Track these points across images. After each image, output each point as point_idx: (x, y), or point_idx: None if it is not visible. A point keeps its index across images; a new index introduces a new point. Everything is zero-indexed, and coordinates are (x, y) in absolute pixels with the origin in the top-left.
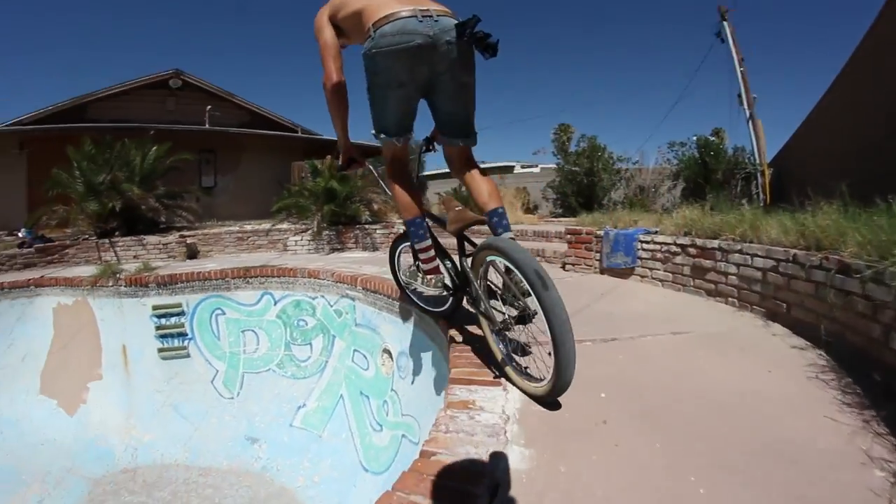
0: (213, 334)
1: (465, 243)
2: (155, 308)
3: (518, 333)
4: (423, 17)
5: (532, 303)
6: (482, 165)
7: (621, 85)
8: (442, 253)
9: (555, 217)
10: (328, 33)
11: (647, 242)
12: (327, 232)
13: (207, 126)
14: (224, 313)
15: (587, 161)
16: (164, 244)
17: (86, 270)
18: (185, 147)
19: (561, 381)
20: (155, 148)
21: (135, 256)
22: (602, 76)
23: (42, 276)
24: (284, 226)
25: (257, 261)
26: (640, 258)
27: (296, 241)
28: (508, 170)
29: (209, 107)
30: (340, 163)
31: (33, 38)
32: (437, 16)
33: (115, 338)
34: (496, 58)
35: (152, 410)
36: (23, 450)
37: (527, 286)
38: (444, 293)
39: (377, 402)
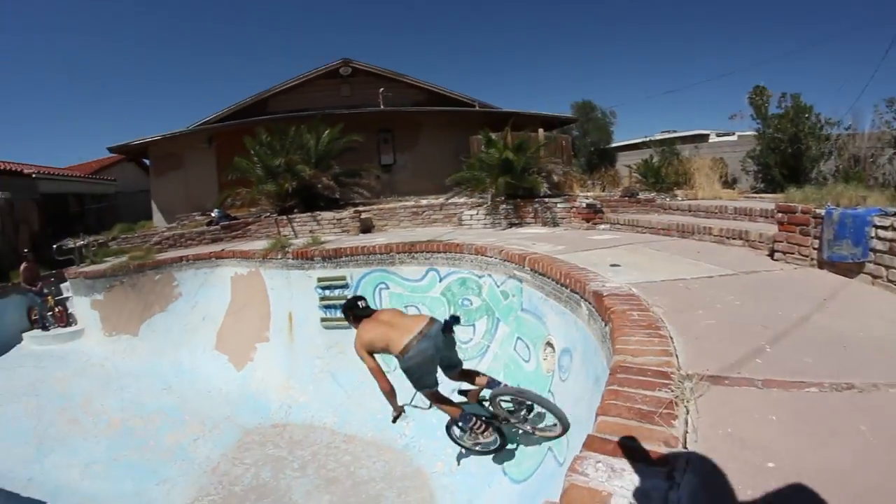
0: (377, 308)
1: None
2: (320, 280)
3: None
4: (422, 336)
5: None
6: (673, 135)
7: (821, 26)
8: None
9: (756, 193)
10: (370, 361)
11: (885, 228)
12: (504, 206)
13: (382, 107)
14: (388, 287)
15: (791, 125)
16: (338, 219)
17: (262, 244)
18: (363, 129)
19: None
20: (328, 131)
21: (310, 231)
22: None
23: (222, 250)
24: (460, 200)
25: (430, 235)
26: (874, 250)
27: (471, 215)
28: (702, 138)
29: (381, 89)
30: (394, 414)
31: (217, 46)
32: (428, 329)
33: (282, 305)
34: None
35: (310, 374)
36: (192, 394)
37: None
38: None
39: None
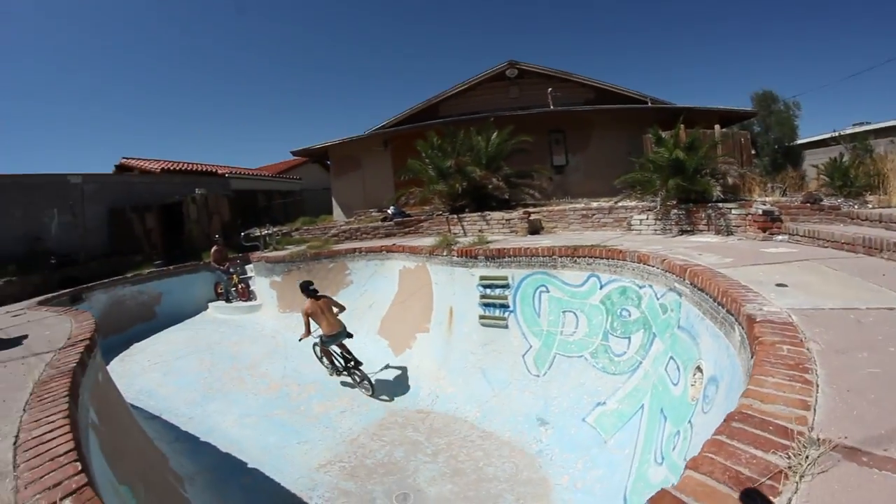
0: (534, 310)
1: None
2: (482, 278)
3: None
4: (337, 334)
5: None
6: (866, 128)
7: None
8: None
9: None
10: (305, 319)
11: None
12: (675, 211)
13: (551, 107)
14: (548, 291)
15: None
16: (506, 220)
17: (431, 241)
18: (533, 130)
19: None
20: (496, 133)
21: (479, 231)
22: None
23: (393, 244)
24: (630, 203)
25: (597, 240)
26: None
27: (640, 220)
28: None
29: (550, 89)
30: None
31: (392, 56)
32: (341, 330)
33: (444, 300)
34: None
35: (462, 368)
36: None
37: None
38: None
39: (672, 428)
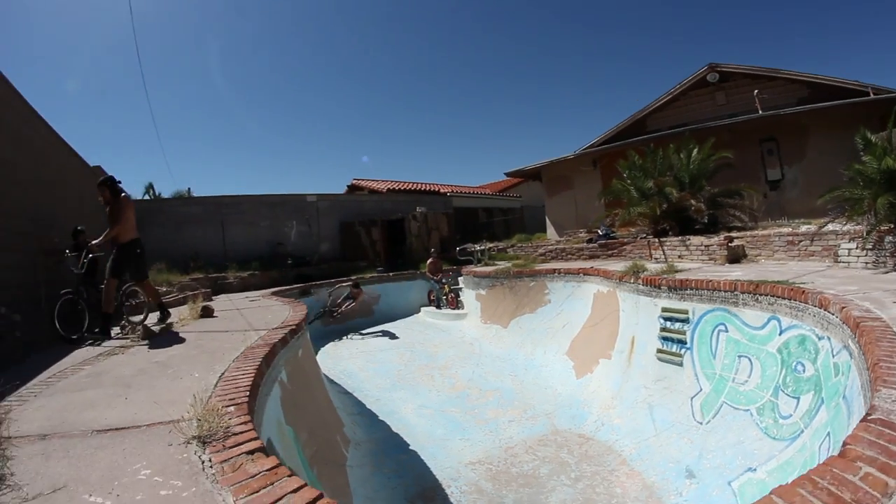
0: (711, 351)
1: None
2: (664, 310)
3: None
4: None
5: None
6: None
7: None
8: None
9: None
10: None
11: None
12: (891, 238)
13: (760, 112)
14: (727, 331)
15: None
16: (706, 245)
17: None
18: (741, 140)
19: None
20: (696, 149)
21: (679, 256)
22: None
23: (591, 267)
24: (840, 227)
25: (796, 273)
26: None
27: (849, 249)
28: None
29: (756, 91)
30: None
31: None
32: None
33: (629, 328)
34: None
35: (632, 401)
36: (530, 385)
37: None
38: None
39: None
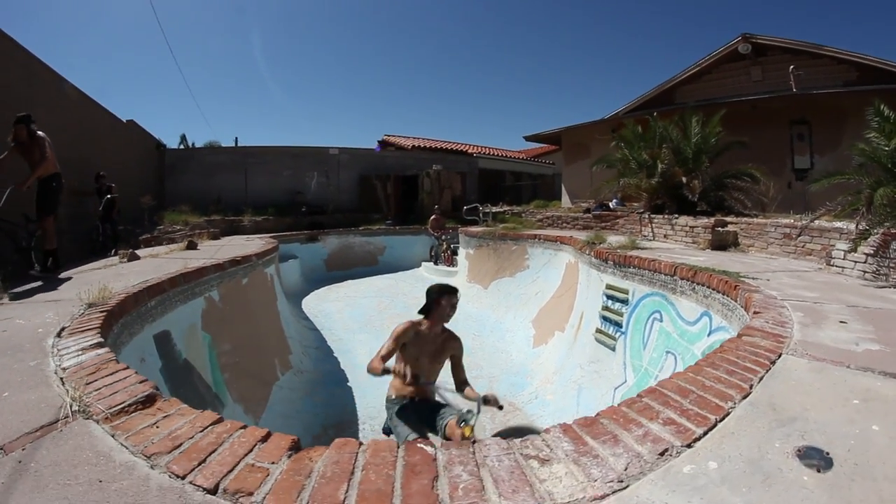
0: (643, 339)
1: None
2: (608, 287)
3: None
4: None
5: None
6: None
7: None
8: None
9: None
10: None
11: None
12: None
13: (794, 90)
14: (661, 320)
15: None
16: (690, 227)
17: (621, 239)
18: (771, 120)
19: None
20: (697, 125)
21: (665, 235)
22: None
23: (569, 236)
24: (836, 223)
25: (771, 269)
26: None
27: (844, 251)
28: None
29: (791, 66)
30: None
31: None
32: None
33: (581, 302)
34: None
35: (568, 379)
36: (490, 347)
37: None
38: None
39: None
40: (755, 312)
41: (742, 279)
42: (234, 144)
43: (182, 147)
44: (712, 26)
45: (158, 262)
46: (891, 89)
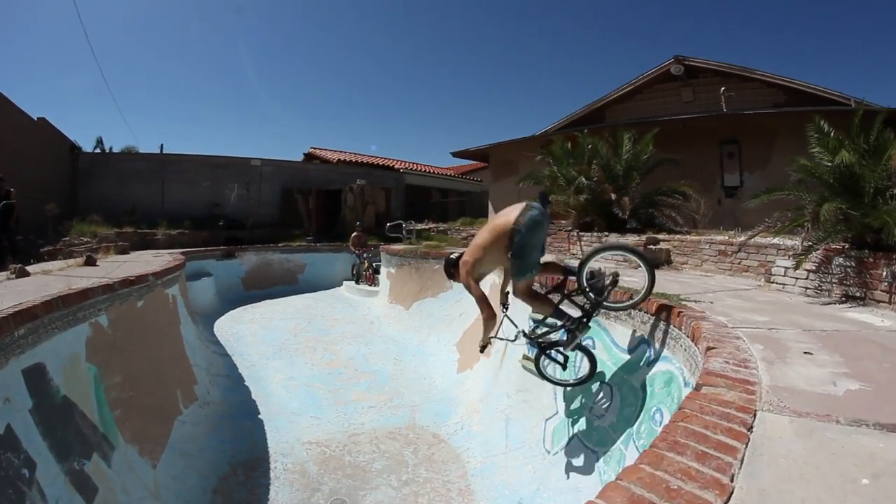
0: (574, 368)
1: None
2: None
3: None
4: (528, 209)
5: None
6: None
7: None
8: None
9: None
10: (476, 290)
11: None
12: (841, 260)
13: (724, 110)
14: (594, 348)
15: None
16: None
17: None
18: (702, 139)
19: None
20: (629, 141)
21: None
22: None
23: None
24: (775, 240)
25: (710, 288)
26: None
27: (785, 268)
28: None
29: (723, 88)
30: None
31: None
32: (530, 205)
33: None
34: None
35: (494, 409)
36: (410, 373)
37: None
38: None
39: None
40: (709, 348)
41: (683, 302)
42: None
43: (98, 151)
44: (645, 47)
45: (47, 280)
46: (818, 111)
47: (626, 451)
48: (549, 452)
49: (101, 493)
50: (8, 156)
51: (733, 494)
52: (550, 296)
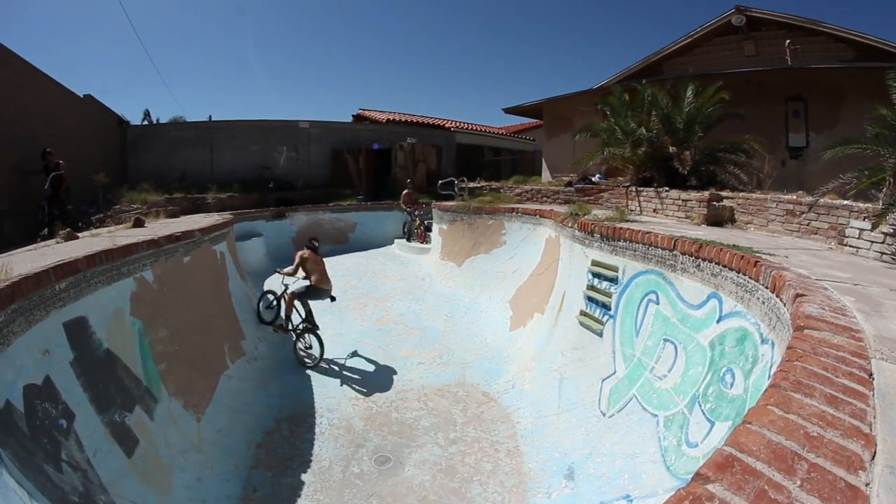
0: (635, 324)
1: None
2: (594, 263)
3: None
4: (323, 290)
5: None
6: None
7: None
8: None
9: None
10: (299, 262)
11: None
12: None
13: (790, 64)
14: (657, 302)
15: None
16: (683, 200)
17: (604, 213)
18: (766, 95)
19: None
20: (691, 93)
21: (654, 210)
22: None
23: (549, 210)
24: (846, 201)
25: (780, 246)
26: None
27: (859, 229)
28: None
29: (788, 41)
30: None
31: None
32: (327, 289)
33: (563, 281)
34: None
35: (548, 367)
36: (462, 330)
37: None
38: None
39: None
40: (798, 294)
41: (758, 255)
42: (182, 119)
43: (146, 123)
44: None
45: (94, 241)
46: (892, 68)
47: (691, 415)
48: (604, 415)
49: (141, 446)
50: (57, 133)
51: (876, 448)
52: None
